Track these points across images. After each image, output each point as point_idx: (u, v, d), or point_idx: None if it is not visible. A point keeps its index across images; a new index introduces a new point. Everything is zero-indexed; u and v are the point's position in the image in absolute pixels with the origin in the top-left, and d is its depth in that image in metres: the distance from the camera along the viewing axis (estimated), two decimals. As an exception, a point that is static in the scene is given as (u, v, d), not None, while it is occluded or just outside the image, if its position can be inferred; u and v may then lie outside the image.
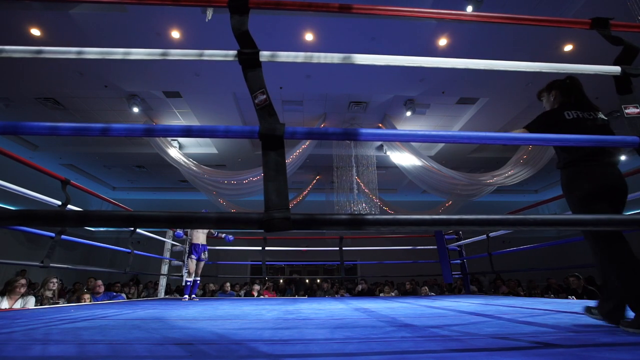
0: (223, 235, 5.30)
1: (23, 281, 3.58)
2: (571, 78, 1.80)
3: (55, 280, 4.24)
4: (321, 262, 11.51)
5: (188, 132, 1.26)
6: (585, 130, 1.60)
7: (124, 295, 5.76)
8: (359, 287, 7.88)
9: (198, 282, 5.06)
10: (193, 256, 4.82)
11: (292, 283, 9.30)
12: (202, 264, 4.96)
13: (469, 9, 4.68)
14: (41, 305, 3.73)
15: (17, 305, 3.48)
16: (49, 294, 4.06)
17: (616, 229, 1.43)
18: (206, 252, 5.03)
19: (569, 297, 4.67)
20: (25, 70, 5.86)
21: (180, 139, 8.50)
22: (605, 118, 1.67)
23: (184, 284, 5.27)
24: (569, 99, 1.74)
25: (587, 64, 1.46)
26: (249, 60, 1.27)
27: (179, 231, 5.00)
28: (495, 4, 4.73)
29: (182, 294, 6.18)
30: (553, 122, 1.67)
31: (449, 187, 8.03)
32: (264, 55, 1.31)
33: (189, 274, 4.81)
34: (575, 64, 1.45)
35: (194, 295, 4.90)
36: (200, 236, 4.96)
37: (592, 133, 1.59)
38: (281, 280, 11.10)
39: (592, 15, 1.60)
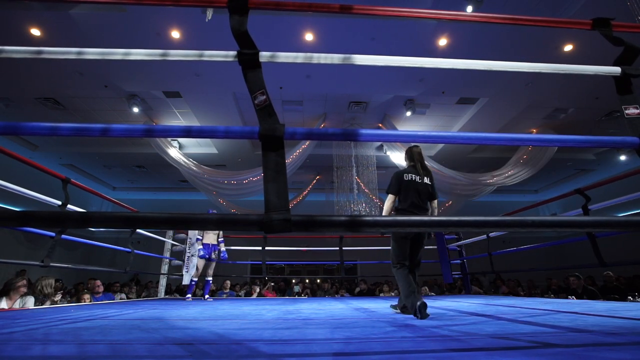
0: (223, 249, 5.03)
1: (23, 282, 3.58)
2: (415, 146, 2.57)
3: (52, 280, 4.21)
4: (321, 262, 11.50)
5: (188, 132, 1.26)
6: (415, 189, 2.40)
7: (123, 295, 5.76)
8: (358, 288, 7.88)
9: (210, 282, 5.04)
10: (201, 252, 4.75)
11: (284, 283, 9.31)
12: (213, 264, 4.93)
13: (469, 9, 4.68)
14: (41, 305, 3.73)
15: (16, 305, 3.48)
16: (50, 294, 4.04)
17: (615, 230, 1.44)
18: (216, 252, 4.94)
19: (569, 297, 4.67)
20: (25, 70, 5.86)
21: (180, 139, 8.50)
22: (430, 183, 2.47)
23: (187, 282, 5.26)
24: (410, 163, 2.55)
25: (587, 64, 1.46)
26: (248, 60, 1.27)
27: (199, 237, 4.85)
28: (495, 4, 4.73)
29: (182, 294, 6.18)
30: (400, 181, 2.44)
31: (449, 187, 8.03)
32: (264, 55, 1.31)
33: (196, 272, 4.79)
34: (575, 64, 1.45)
35: (207, 296, 4.87)
36: (210, 236, 4.93)
37: (420, 192, 2.41)
38: (282, 282, 11.09)
39: (592, 16, 1.60)
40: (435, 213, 2.46)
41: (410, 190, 2.43)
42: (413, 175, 2.47)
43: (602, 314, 2.02)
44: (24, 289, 3.57)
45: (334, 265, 12.11)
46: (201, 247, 4.76)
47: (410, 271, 2.41)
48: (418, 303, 2.01)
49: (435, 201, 2.48)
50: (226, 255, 5.03)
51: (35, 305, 3.66)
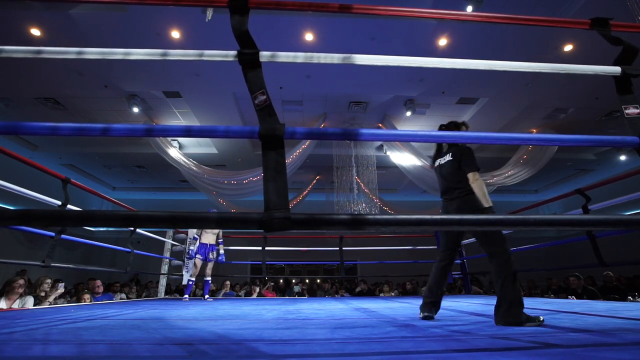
0: (222, 251, 5.01)
1: (22, 281, 3.58)
2: (441, 125, 2.46)
3: (49, 280, 4.21)
4: (321, 262, 11.50)
5: (188, 132, 1.25)
6: (440, 174, 2.31)
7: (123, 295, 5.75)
8: (358, 288, 7.87)
9: (209, 282, 5.03)
10: (199, 256, 4.77)
11: (285, 283, 9.27)
12: (210, 264, 4.90)
13: (469, 9, 4.68)
14: (39, 304, 3.73)
15: (15, 305, 3.47)
16: (50, 294, 4.04)
17: (616, 228, 1.44)
18: (214, 252, 4.92)
19: (569, 297, 4.67)
20: (25, 70, 5.86)
21: (180, 139, 8.50)
22: (452, 158, 2.22)
23: (185, 282, 5.25)
24: (437, 148, 2.48)
25: (587, 64, 1.46)
26: (249, 60, 1.27)
27: (196, 236, 4.86)
28: (495, 4, 4.73)
29: (182, 294, 6.17)
30: (435, 173, 2.42)
31: (449, 187, 8.01)
32: (264, 55, 1.31)
33: (194, 272, 4.78)
34: (575, 64, 1.45)
35: (207, 296, 4.86)
36: (209, 236, 4.91)
37: (447, 174, 2.23)
38: (281, 280, 11.10)
39: (592, 15, 1.60)
40: (476, 189, 2.03)
41: (438, 176, 2.35)
42: (436, 161, 2.38)
43: (602, 314, 2.02)
44: (20, 290, 3.56)
45: (334, 265, 12.11)
46: (193, 247, 4.74)
47: (447, 266, 2.19)
48: (423, 314, 2.04)
49: (470, 175, 2.06)
50: (223, 259, 4.96)
51: (34, 305, 3.66)
